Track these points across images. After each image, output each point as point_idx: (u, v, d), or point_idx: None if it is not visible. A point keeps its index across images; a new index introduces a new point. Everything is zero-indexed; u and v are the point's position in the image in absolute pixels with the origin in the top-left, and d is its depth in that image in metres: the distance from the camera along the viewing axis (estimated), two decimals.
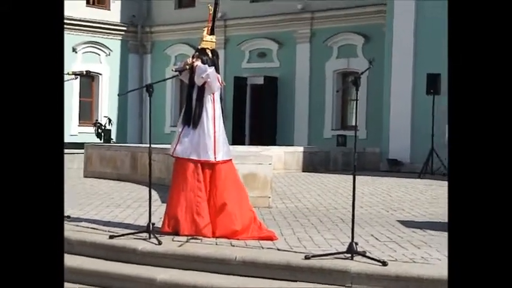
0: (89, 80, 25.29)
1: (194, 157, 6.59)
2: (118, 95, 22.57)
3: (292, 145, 20.15)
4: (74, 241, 6.50)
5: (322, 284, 5.39)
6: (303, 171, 16.46)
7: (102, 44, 25.67)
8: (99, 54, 25.72)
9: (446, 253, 5.83)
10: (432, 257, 5.76)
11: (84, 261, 6.16)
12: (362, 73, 6.14)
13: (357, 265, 5.44)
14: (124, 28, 26.22)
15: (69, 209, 7.95)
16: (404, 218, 8.22)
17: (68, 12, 19.64)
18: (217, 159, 6.60)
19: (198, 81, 6.65)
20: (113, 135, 24.86)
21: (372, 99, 20.12)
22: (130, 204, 9.12)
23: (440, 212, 8.95)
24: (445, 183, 13.18)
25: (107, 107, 25.66)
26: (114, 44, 26.07)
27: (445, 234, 6.80)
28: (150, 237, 6.37)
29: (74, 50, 24.54)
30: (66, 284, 4.58)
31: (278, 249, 6.01)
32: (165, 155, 10.28)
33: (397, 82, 17.98)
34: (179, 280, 5.64)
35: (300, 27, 22.64)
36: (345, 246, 5.77)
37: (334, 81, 21.94)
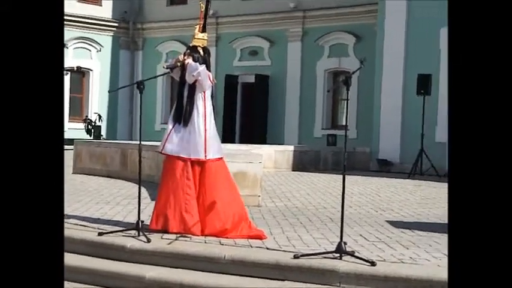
0: (79, 75, 25.24)
1: (184, 155, 6.57)
2: (108, 91, 22.50)
3: (283, 144, 20.15)
4: None
5: (311, 283, 5.40)
6: (293, 170, 16.45)
7: (93, 39, 25.60)
8: (90, 50, 25.65)
9: (434, 254, 5.88)
10: (421, 257, 5.77)
11: (73, 258, 6.14)
12: (353, 73, 6.15)
13: (345, 265, 5.45)
14: (115, 24, 26.16)
15: None
16: (394, 219, 8.24)
17: None
18: (207, 158, 6.59)
19: (189, 79, 6.63)
20: (103, 132, 24.81)
21: (363, 99, 20.16)
22: (119, 201, 9.10)
23: (429, 212, 8.99)
24: (434, 184, 13.25)
25: (97, 103, 25.60)
26: (106, 40, 26.01)
27: (434, 235, 6.85)
28: (139, 235, 6.36)
29: (65, 45, 24.45)
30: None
31: (267, 248, 6.00)
32: (155, 152, 10.26)
33: (388, 82, 18.01)
34: (168, 278, 5.64)
35: (291, 25, 22.65)
36: (333, 246, 5.77)
37: (325, 80, 21.97)
